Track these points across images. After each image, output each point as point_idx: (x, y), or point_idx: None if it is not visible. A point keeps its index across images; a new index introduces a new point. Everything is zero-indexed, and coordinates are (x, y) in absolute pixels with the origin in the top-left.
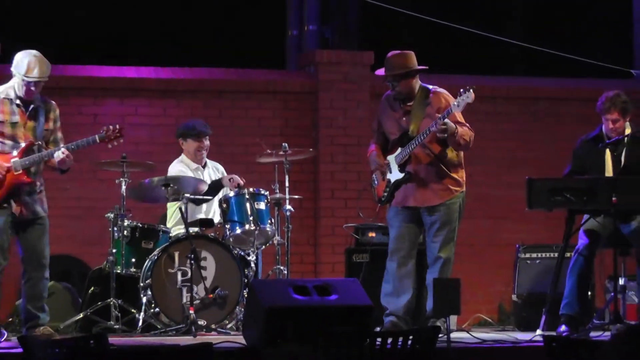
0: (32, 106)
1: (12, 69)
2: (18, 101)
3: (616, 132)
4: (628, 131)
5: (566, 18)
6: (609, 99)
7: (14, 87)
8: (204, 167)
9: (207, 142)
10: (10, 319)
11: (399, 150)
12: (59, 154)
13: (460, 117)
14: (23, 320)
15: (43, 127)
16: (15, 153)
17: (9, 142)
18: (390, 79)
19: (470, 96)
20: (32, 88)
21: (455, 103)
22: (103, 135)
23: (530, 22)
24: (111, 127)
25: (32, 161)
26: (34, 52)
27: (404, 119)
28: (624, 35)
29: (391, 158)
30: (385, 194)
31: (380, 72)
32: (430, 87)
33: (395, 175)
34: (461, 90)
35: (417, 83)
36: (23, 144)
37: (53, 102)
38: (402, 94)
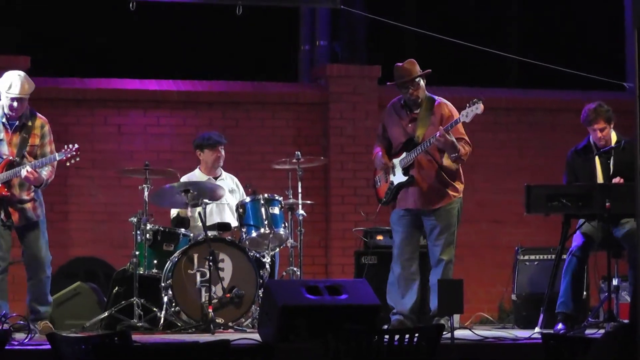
0: (17, 123)
1: None
2: (4, 119)
3: (604, 139)
4: (614, 138)
5: (560, 32)
6: (592, 111)
7: (2, 106)
8: (216, 178)
9: (222, 152)
10: None
11: (404, 154)
12: (24, 172)
13: (461, 130)
14: (28, 314)
15: (28, 143)
16: None
17: None
18: (408, 84)
19: (479, 107)
20: (15, 104)
21: (464, 113)
22: (62, 155)
23: (526, 37)
24: (70, 146)
25: (8, 176)
26: (18, 72)
27: (410, 125)
28: (617, 48)
29: (396, 161)
30: (387, 195)
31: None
32: (436, 97)
33: (398, 177)
34: (470, 101)
35: (425, 91)
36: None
37: (43, 118)
38: (418, 97)
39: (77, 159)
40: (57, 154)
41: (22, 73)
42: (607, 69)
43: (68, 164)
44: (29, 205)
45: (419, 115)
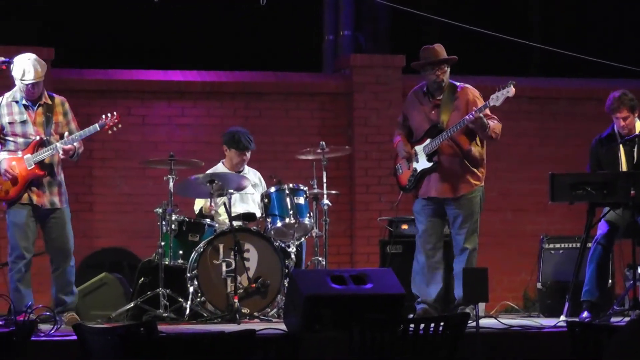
0: (38, 104)
1: (12, 73)
2: (24, 101)
3: (627, 128)
4: (638, 126)
5: (583, 20)
6: (616, 99)
7: (20, 90)
8: (239, 172)
9: (248, 155)
10: None
11: (428, 141)
12: (60, 146)
13: (488, 112)
14: (54, 306)
15: (52, 122)
16: (26, 150)
17: (21, 140)
18: (435, 66)
19: (510, 91)
20: (31, 89)
21: (495, 97)
22: (103, 124)
23: (548, 25)
24: (110, 114)
25: (43, 155)
26: (28, 55)
27: (433, 112)
28: (638, 36)
29: (419, 148)
30: (410, 182)
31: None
32: (457, 83)
33: (422, 164)
34: (500, 85)
35: (448, 77)
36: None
37: (61, 97)
38: (443, 81)
39: (120, 126)
40: (97, 125)
41: (31, 56)
42: (630, 56)
43: (110, 132)
44: (55, 190)
45: (442, 101)
